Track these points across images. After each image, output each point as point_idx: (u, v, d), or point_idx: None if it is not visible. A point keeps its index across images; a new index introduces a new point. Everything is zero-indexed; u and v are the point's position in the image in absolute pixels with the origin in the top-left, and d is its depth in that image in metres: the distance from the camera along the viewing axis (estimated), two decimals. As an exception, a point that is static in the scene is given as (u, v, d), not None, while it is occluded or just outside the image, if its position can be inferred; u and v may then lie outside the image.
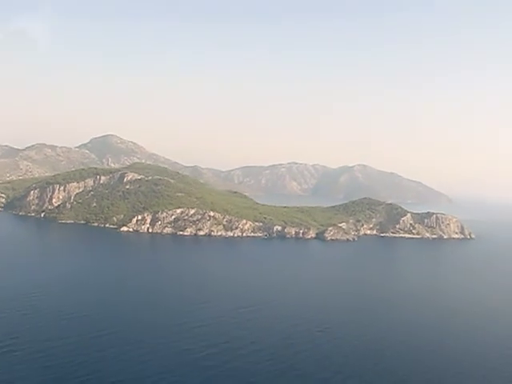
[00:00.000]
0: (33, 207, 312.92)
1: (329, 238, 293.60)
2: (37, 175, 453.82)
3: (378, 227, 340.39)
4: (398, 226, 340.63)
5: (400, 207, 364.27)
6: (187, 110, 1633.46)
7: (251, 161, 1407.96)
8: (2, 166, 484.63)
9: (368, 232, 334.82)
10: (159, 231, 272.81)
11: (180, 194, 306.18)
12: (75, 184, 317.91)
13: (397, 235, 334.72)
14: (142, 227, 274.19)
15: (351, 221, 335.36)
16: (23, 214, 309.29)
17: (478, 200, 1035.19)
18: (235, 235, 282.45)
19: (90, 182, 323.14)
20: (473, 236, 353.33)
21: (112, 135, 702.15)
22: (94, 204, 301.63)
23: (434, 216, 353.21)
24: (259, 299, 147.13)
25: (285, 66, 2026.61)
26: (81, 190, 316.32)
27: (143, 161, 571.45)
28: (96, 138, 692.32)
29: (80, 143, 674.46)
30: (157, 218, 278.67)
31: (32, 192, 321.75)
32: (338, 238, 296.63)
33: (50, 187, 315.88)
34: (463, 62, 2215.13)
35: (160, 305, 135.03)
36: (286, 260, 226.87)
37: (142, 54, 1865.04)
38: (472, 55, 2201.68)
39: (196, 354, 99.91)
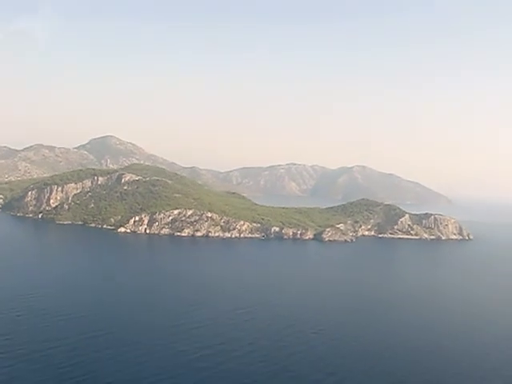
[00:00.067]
0: (30, 208, 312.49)
1: (326, 239, 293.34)
2: (35, 176, 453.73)
3: (376, 228, 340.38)
4: (396, 227, 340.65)
5: (398, 208, 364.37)
6: (187, 110, 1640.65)
7: (250, 162, 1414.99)
8: (1, 166, 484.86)
9: (366, 233, 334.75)
10: (156, 232, 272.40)
11: (178, 195, 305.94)
12: (73, 185, 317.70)
13: (395, 236, 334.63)
14: (140, 228, 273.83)
15: (349, 222, 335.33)
16: (21, 214, 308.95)
17: (478, 200, 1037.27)
18: (233, 236, 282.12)
19: (87, 182, 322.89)
20: (471, 237, 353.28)
21: (111, 136, 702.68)
22: (92, 205, 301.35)
23: (433, 217, 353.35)
24: (256, 300, 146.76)
25: (285, 66, 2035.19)
26: (78, 191, 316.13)
27: (142, 162, 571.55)
28: (95, 139, 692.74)
29: (79, 144, 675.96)
30: (154, 218, 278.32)
31: (30, 193, 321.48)
32: (335, 238, 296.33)
33: (48, 188, 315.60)
34: (463, 62, 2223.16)
35: (157, 306, 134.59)
36: (283, 261, 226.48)
37: (142, 54, 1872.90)
38: (472, 55, 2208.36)
39: (191, 356, 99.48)
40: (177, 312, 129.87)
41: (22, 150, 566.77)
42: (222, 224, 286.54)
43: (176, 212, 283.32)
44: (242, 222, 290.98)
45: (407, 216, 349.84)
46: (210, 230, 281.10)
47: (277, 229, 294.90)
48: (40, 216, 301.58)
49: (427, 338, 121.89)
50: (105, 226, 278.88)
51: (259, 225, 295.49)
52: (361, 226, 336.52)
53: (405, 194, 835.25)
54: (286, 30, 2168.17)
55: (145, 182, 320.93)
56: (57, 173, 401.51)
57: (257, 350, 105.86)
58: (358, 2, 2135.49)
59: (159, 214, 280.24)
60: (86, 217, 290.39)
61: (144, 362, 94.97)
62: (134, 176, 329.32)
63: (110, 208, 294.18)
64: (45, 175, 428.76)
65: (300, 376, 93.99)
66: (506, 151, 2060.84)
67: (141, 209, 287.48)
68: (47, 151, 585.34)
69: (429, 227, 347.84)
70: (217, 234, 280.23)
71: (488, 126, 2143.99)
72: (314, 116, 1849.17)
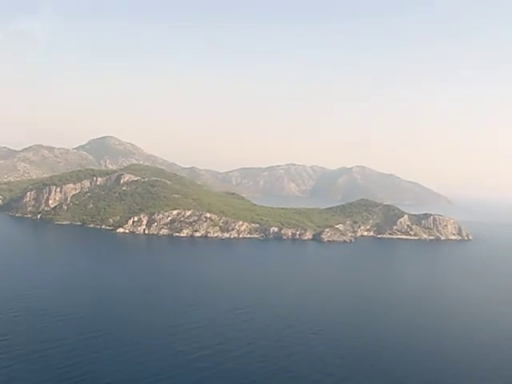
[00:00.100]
0: (29, 208, 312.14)
1: (325, 240, 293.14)
2: (34, 177, 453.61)
3: (375, 228, 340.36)
4: (395, 228, 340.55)
5: (397, 208, 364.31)
6: (187, 110, 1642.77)
7: (250, 162, 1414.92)
8: (0, 167, 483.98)
9: (365, 233, 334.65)
10: (155, 233, 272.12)
11: (176, 196, 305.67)
12: (72, 185, 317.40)
13: (394, 236, 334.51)
14: (138, 229, 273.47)
15: (348, 222, 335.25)
16: (20, 215, 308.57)
17: (478, 201, 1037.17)
18: (231, 236, 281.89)
19: (86, 183, 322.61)
20: (470, 237, 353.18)
21: (110, 137, 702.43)
22: (91, 205, 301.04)
23: (432, 217, 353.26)
24: (255, 300, 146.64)
25: (285, 66, 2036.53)
26: (77, 192, 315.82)
27: (141, 162, 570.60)
28: (94, 140, 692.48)
29: (78, 145, 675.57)
30: (153, 219, 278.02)
31: (28, 193, 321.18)
32: (334, 239, 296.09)
33: (47, 188, 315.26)
34: (463, 62, 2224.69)
35: (156, 306, 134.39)
36: (282, 261, 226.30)
37: (142, 54, 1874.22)
38: (472, 55, 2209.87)
39: (190, 356, 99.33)
40: (176, 312, 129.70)
41: (21, 151, 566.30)
42: (221, 224, 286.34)
43: (175, 212, 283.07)
44: (240, 223, 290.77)
45: (406, 216, 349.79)
46: (208, 230, 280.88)
47: (276, 229, 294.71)
48: (39, 216, 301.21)
49: (426, 338, 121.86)
50: (103, 227, 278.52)
51: (258, 225, 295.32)
52: (360, 227, 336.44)
53: (404, 195, 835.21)
54: (286, 30, 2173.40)
55: (144, 182, 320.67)
56: (56, 173, 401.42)
57: (256, 350, 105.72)
58: (358, 2, 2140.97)
59: (158, 215, 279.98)
60: (84, 217, 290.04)
61: (143, 362, 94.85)
62: (132, 176, 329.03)
63: (108, 208, 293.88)
64: (44, 176, 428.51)
65: (299, 376, 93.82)
66: (506, 151, 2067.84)
67: (139, 209, 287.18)
68: (46, 152, 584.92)
69: (428, 227, 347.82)
70: (215, 235, 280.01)
71: (488, 126, 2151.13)
72: (314, 116, 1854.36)
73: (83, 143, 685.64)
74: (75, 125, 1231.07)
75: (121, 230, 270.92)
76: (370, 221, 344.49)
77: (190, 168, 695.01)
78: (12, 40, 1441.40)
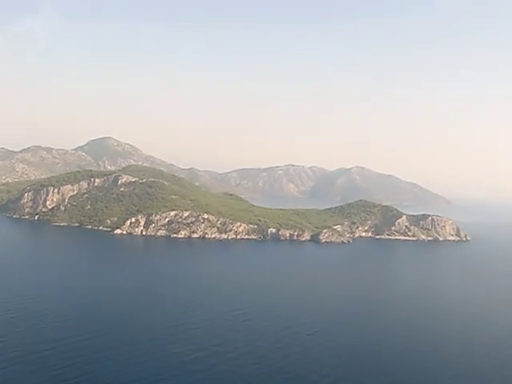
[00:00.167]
0: (27, 210, 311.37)
1: (323, 241, 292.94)
2: (33, 178, 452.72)
3: (373, 229, 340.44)
4: (393, 228, 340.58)
5: (395, 209, 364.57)
6: (187, 110, 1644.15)
7: (249, 162, 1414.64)
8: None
9: (363, 234, 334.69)
10: (153, 234, 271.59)
11: (174, 197, 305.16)
12: (69, 186, 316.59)
13: (392, 237, 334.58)
14: (136, 230, 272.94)
15: (346, 223, 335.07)
16: (17, 216, 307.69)
17: (478, 201, 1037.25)
18: (229, 238, 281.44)
19: (84, 184, 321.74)
20: (468, 238, 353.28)
21: (109, 137, 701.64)
22: (88, 206, 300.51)
23: (430, 218, 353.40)
24: (253, 301, 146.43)
25: (285, 66, 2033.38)
26: (75, 193, 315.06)
27: (140, 163, 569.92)
28: (93, 141, 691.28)
29: (77, 145, 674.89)
30: (151, 220, 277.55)
31: (26, 194, 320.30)
32: (332, 240, 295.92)
33: (44, 190, 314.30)
34: (463, 62, 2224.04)
35: (154, 307, 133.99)
36: (279, 262, 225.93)
37: (142, 54, 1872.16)
38: (472, 55, 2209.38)
39: (185, 357, 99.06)
40: (173, 313, 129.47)
41: (20, 152, 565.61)
42: (219, 225, 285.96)
43: (172, 213, 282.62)
44: (238, 224, 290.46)
45: (404, 217, 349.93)
46: (206, 231, 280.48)
47: (273, 230, 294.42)
48: (36, 218, 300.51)
49: (425, 339, 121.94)
50: (101, 228, 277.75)
51: (256, 226, 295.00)
52: (358, 228, 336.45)
53: (403, 195, 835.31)
54: (286, 30, 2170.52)
55: (141, 183, 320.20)
56: (54, 174, 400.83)
57: (253, 351, 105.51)
58: (358, 2, 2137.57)
59: (155, 216, 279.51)
60: (82, 218, 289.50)
61: (142, 362, 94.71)
62: (130, 177, 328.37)
63: (106, 210, 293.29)
64: (42, 177, 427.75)
65: (295, 377, 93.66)
66: (506, 151, 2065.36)
67: (137, 210, 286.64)
68: (45, 153, 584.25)
69: (426, 228, 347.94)
70: (213, 236, 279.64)
71: (488, 126, 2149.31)
72: (314, 116, 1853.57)
73: (82, 144, 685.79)
74: (75, 125, 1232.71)
75: (118, 231, 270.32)
76: (368, 222, 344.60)
77: (188, 169, 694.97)
78: (12, 40, 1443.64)
